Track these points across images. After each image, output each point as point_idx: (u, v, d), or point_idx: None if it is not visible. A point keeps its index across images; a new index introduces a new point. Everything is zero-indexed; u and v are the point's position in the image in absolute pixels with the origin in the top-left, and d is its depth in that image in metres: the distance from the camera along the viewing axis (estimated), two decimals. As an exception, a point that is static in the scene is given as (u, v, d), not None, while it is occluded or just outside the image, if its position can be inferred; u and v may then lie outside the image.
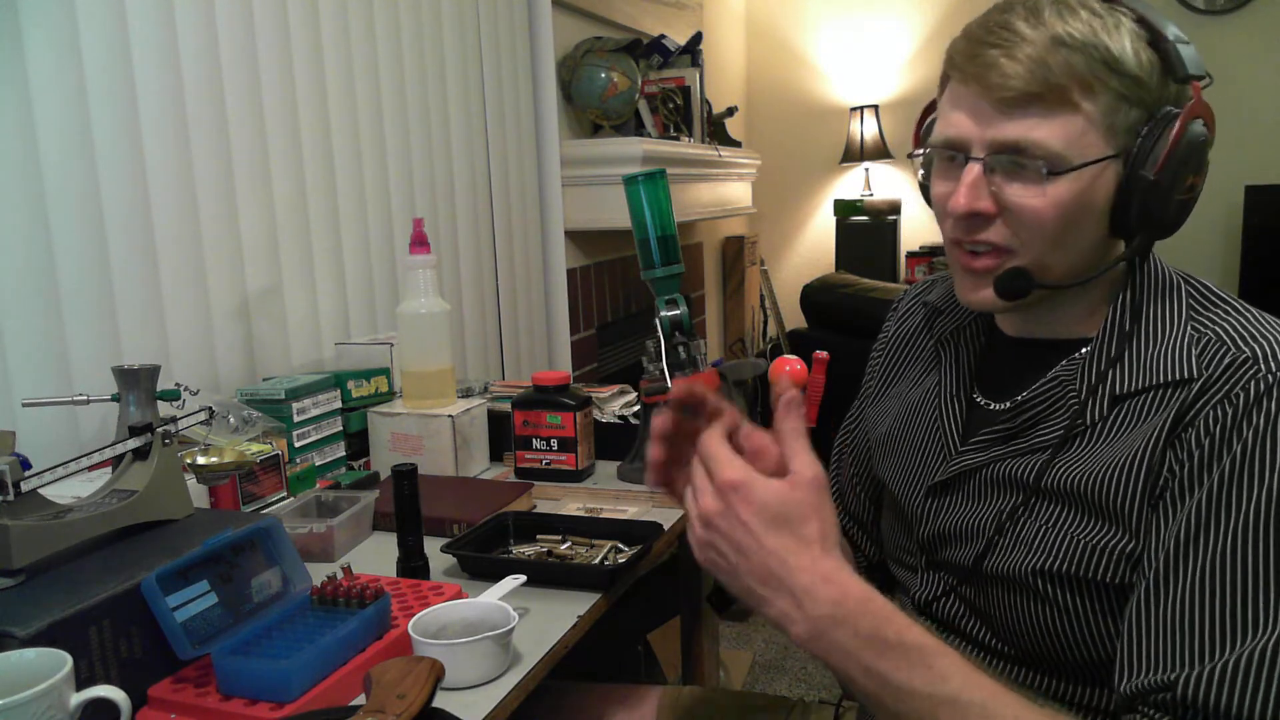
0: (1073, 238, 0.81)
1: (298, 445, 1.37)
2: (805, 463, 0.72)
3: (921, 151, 0.89)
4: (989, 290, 0.84)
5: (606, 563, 1.13)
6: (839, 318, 3.17)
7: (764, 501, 0.70)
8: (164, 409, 0.98)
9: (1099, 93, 0.77)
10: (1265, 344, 0.76)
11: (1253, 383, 0.73)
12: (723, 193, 3.53)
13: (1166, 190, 0.78)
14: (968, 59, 0.79)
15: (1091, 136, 0.78)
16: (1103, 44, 0.77)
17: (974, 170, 0.80)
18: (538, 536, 1.20)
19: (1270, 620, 0.68)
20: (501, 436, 1.53)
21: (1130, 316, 0.83)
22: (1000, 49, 0.77)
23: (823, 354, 1.31)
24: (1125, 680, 0.73)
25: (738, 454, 0.73)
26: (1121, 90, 0.77)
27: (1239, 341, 0.77)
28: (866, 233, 4.34)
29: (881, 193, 4.46)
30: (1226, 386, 0.74)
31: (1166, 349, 0.80)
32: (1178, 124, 0.78)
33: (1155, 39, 0.79)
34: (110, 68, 1.31)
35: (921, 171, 0.90)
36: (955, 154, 0.82)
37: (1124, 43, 0.77)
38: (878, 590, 0.71)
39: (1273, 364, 0.74)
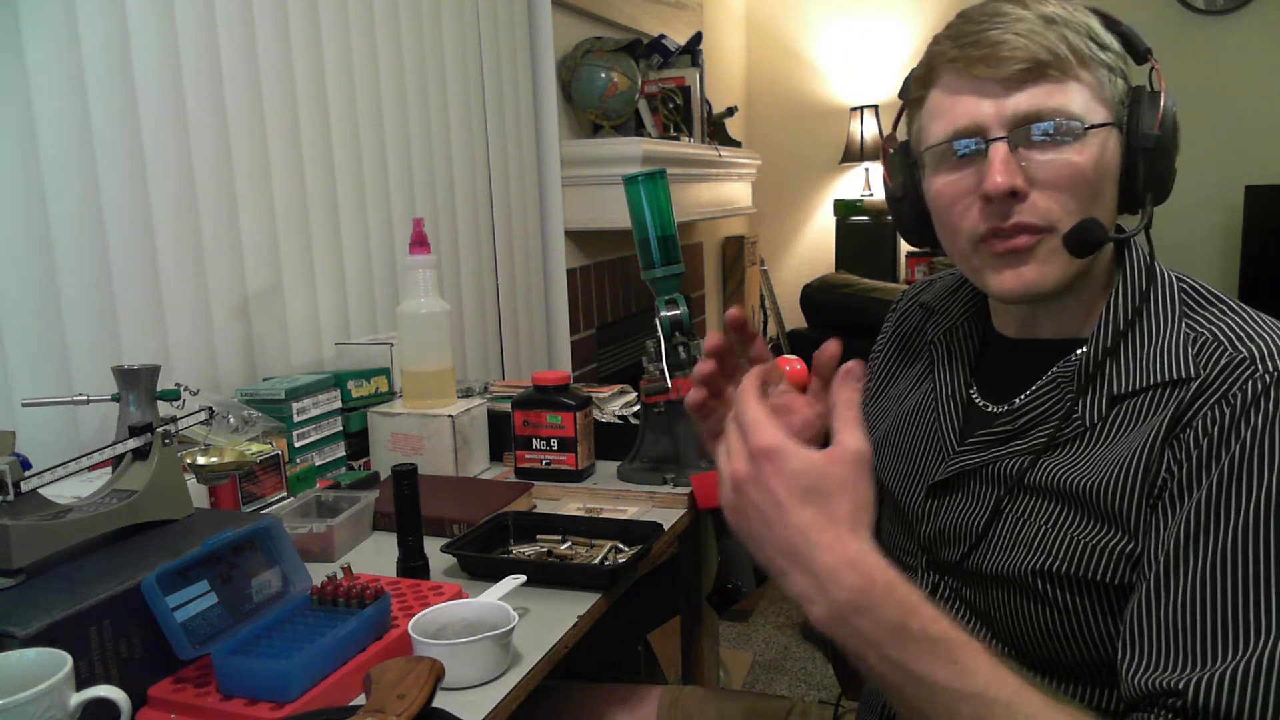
0: (1099, 204, 0.82)
1: (298, 445, 1.37)
2: (852, 436, 0.68)
3: (933, 147, 0.86)
4: (1032, 266, 0.82)
5: (606, 563, 1.13)
6: (839, 318, 3.17)
7: (796, 472, 0.67)
8: (164, 409, 0.98)
9: (1091, 65, 0.81)
10: (1262, 344, 0.76)
11: (1250, 383, 0.73)
12: (723, 193, 3.53)
13: (1169, 149, 0.82)
14: (967, 46, 0.81)
15: (1095, 104, 0.81)
16: (1084, 22, 0.82)
17: (1001, 148, 0.80)
18: (538, 536, 1.20)
19: (1275, 622, 0.68)
20: (501, 436, 1.53)
21: (1124, 315, 0.83)
22: (1000, 28, 0.80)
23: (823, 354, 1.31)
24: (1127, 679, 0.73)
25: (773, 416, 0.69)
26: (1108, 63, 0.82)
27: (1235, 342, 0.77)
28: (866, 233, 4.33)
29: (881, 193, 4.45)
30: (1224, 387, 0.74)
31: (1162, 347, 0.80)
32: (1163, 90, 0.82)
33: (1110, 23, 0.84)
34: (110, 67, 1.31)
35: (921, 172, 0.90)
36: (968, 144, 0.82)
37: (1095, 21, 0.83)
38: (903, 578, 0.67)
39: (1269, 364, 0.74)
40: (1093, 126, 0.80)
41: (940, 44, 0.84)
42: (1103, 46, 0.82)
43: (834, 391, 0.71)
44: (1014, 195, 0.80)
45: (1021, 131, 0.80)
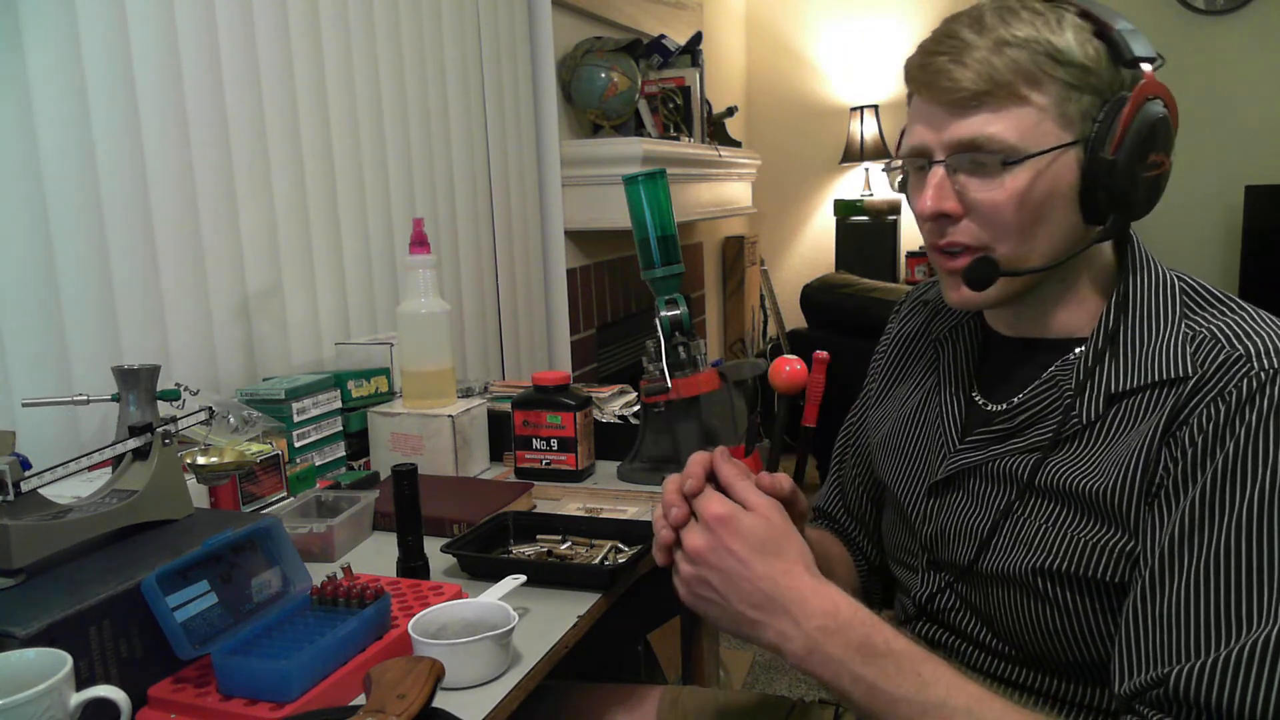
0: (1044, 227, 0.82)
1: (298, 445, 1.37)
2: (757, 494, 0.79)
3: (896, 165, 0.91)
4: (966, 288, 0.86)
5: (606, 563, 1.13)
6: (839, 318, 3.17)
7: (750, 529, 0.77)
8: (164, 409, 0.98)
9: (1046, 84, 0.79)
10: (1259, 342, 0.76)
11: (1245, 380, 0.74)
12: (723, 193, 3.53)
13: (1127, 168, 0.80)
14: (919, 69, 0.83)
15: (1046, 126, 0.80)
16: (1045, 39, 0.79)
17: (938, 173, 0.83)
18: (538, 536, 1.20)
19: (1264, 616, 0.68)
20: (501, 436, 1.53)
21: (1123, 315, 0.83)
22: (947, 55, 0.81)
23: (823, 354, 1.31)
24: (1123, 679, 0.74)
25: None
26: (1069, 79, 0.80)
27: (1233, 339, 0.77)
28: (866, 233, 4.34)
29: (881, 193, 4.46)
30: (1220, 384, 0.75)
31: (1160, 347, 0.80)
32: (1129, 103, 0.79)
33: (1101, 30, 0.81)
34: (110, 67, 1.31)
35: (899, 181, 0.92)
36: (920, 162, 0.85)
37: (1067, 36, 0.80)
38: (864, 604, 0.75)
39: (1265, 361, 0.74)
40: (1027, 157, 0.79)
41: (912, 58, 0.86)
42: (1065, 63, 0.79)
43: (718, 472, 0.81)
44: (947, 216, 0.83)
45: (957, 158, 0.82)
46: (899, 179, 0.90)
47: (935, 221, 0.85)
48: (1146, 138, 0.80)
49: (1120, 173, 0.79)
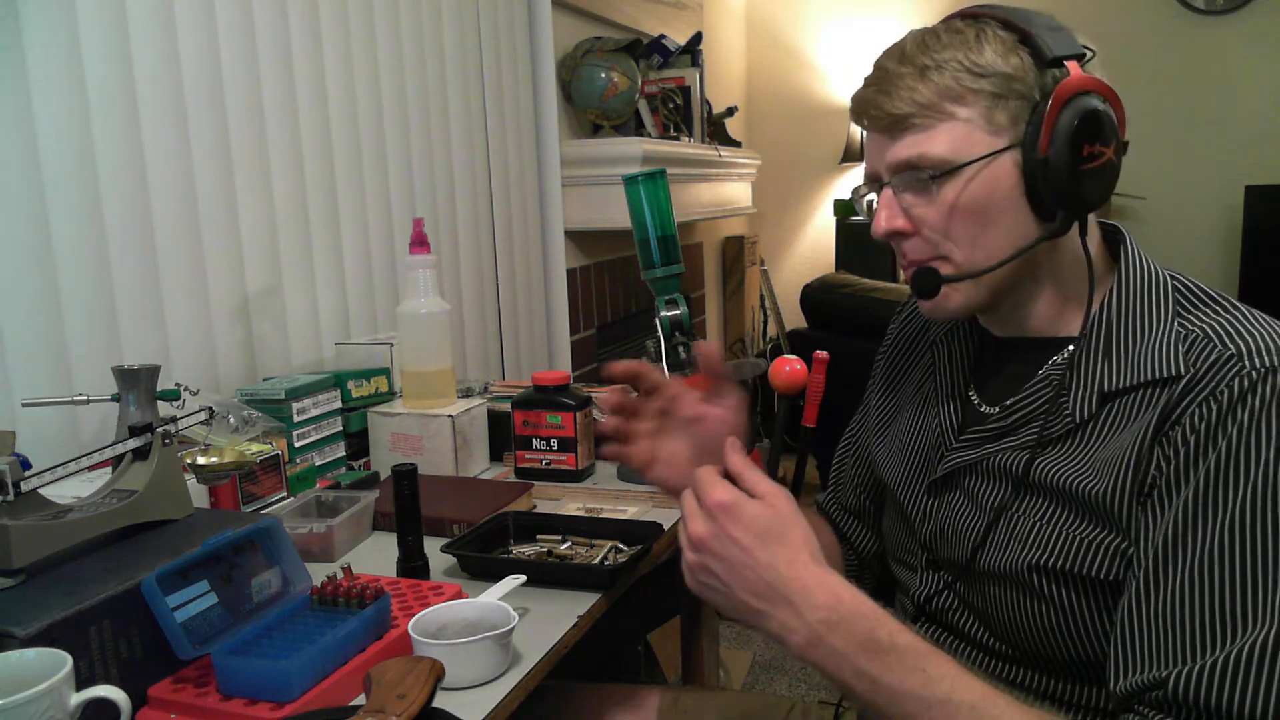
0: (992, 231, 0.83)
1: (298, 445, 1.37)
2: (767, 485, 0.78)
3: (863, 192, 0.95)
4: (935, 297, 0.88)
5: (606, 563, 1.13)
6: (839, 318, 3.17)
7: (753, 517, 0.76)
8: (164, 409, 0.98)
9: (969, 98, 0.81)
10: (1251, 341, 0.76)
11: (1237, 379, 0.74)
12: (723, 193, 3.53)
13: (1060, 164, 0.80)
14: (856, 103, 0.87)
15: (976, 136, 0.82)
16: (965, 58, 0.81)
17: (886, 194, 0.87)
18: (538, 536, 1.20)
19: (1261, 616, 0.68)
20: (501, 436, 1.53)
21: (1115, 313, 0.83)
22: (875, 87, 0.85)
23: (823, 354, 1.31)
24: (1118, 679, 0.74)
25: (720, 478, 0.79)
26: (993, 90, 0.81)
27: (1225, 338, 0.77)
28: (866, 233, 4.29)
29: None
30: (1211, 383, 0.75)
31: (1152, 346, 0.80)
32: (1051, 102, 0.80)
33: (1024, 36, 0.82)
34: (110, 67, 1.31)
35: (866, 205, 0.95)
36: (876, 186, 0.89)
37: (986, 50, 0.81)
38: (868, 595, 0.74)
39: (1257, 360, 0.74)
40: (957, 168, 0.81)
41: (852, 96, 0.89)
42: (985, 76, 0.80)
43: (727, 462, 0.81)
44: (902, 234, 0.87)
45: (899, 178, 0.85)
46: (866, 204, 0.94)
47: (893, 240, 0.88)
48: (1077, 132, 0.80)
49: (1054, 169, 0.80)
